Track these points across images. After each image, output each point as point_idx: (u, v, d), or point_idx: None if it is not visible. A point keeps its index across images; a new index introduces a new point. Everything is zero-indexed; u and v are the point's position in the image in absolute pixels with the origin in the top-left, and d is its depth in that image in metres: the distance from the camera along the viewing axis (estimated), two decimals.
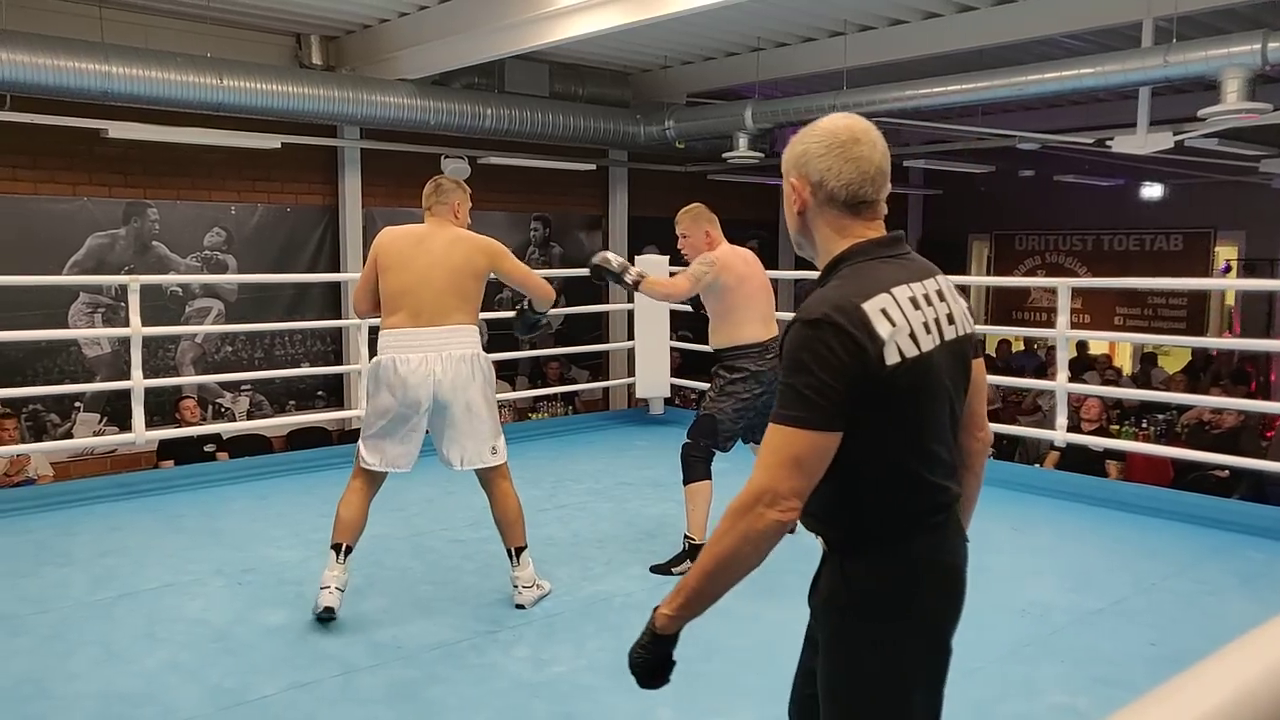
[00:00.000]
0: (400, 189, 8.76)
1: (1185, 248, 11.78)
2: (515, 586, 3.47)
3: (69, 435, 7.12)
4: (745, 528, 1.47)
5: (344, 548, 3.27)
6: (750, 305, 3.89)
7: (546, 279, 3.62)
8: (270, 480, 5.27)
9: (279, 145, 7.58)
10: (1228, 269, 11.59)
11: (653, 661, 1.65)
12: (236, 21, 7.16)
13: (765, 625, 3.29)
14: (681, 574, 3.60)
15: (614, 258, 3.86)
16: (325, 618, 3.22)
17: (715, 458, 3.88)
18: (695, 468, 3.83)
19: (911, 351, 1.47)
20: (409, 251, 3.31)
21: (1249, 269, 11.33)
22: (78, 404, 7.21)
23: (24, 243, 6.89)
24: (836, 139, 1.55)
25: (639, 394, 7.02)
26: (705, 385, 7.96)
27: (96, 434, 7.21)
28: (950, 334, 1.55)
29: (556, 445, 6.26)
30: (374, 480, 3.39)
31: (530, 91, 8.16)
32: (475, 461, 3.38)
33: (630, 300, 6.92)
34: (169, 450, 6.50)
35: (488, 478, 3.45)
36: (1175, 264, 11.59)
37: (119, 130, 6.81)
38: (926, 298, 1.54)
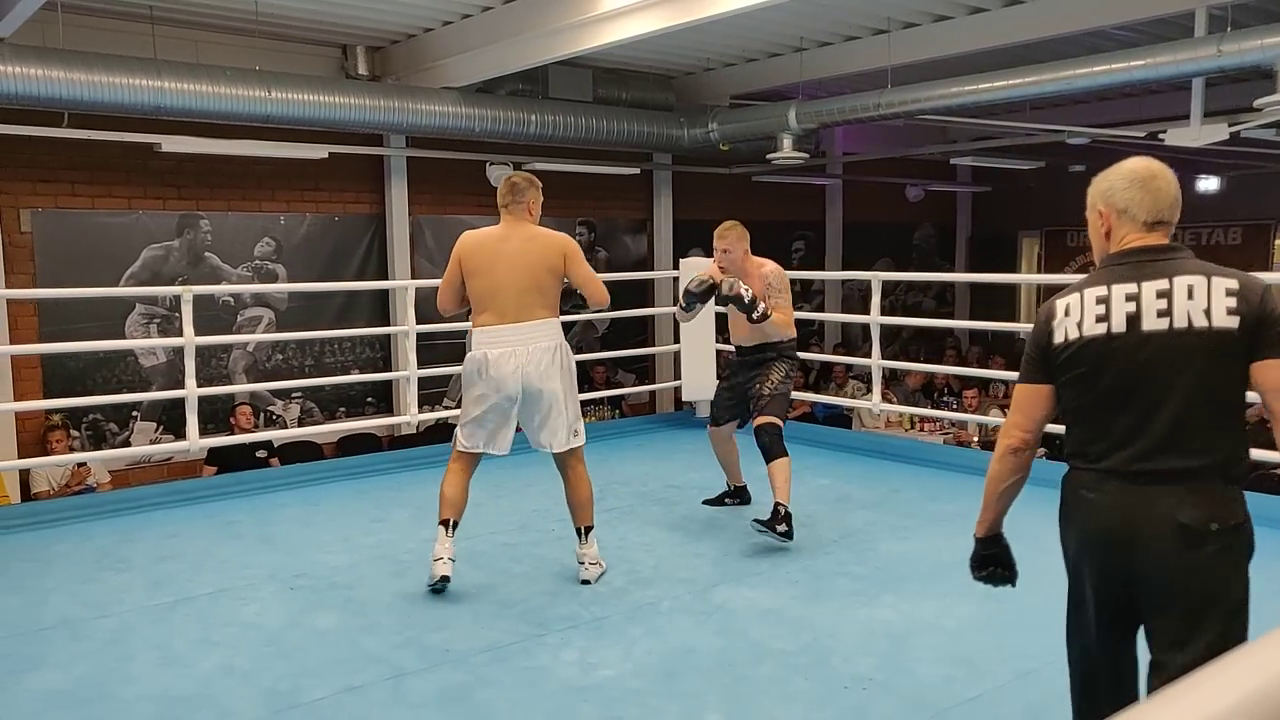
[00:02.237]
0: (446, 196, 8.85)
1: (1244, 241, 11.47)
2: (581, 563, 3.73)
3: (127, 443, 7.29)
4: (995, 452, 2.12)
5: (451, 523, 3.60)
6: (789, 304, 4.45)
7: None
8: (321, 486, 5.34)
9: (326, 155, 7.69)
10: None
11: (976, 559, 2.22)
12: (283, 34, 7.29)
13: (815, 629, 3.26)
14: (782, 534, 3.99)
15: (744, 288, 4.22)
16: (438, 588, 3.56)
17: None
18: (780, 445, 4.21)
19: (1073, 335, 1.94)
20: (491, 254, 3.61)
21: None
22: (135, 413, 7.38)
23: (82, 256, 7.07)
24: (1138, 176, 1.96)
25: (685, 397, 7.00)
26: None
27: (153, 442, 7.37)
28: (1153, 325, 1.86)
29: (603, 449, 6.26)
30: (471, 462, 3.71)
31: (574, 97, 8.19)
32: (561, 445, 3.66)
33: (676, 303, 6.91)
34: (216, 457, 6.62)
35: (565, 461, 3.71)
36: (1234, 258, 11.28)
37: (172, 144, 6.97)
38: (1130, 296, 1.89)
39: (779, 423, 4.28)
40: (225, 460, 6.59)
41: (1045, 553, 3.89)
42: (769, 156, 8.50)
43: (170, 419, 7.37)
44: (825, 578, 3.77)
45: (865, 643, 3.16)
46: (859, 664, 3.00)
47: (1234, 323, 1.81)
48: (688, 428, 6.84)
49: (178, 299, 5.32)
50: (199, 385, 5.16)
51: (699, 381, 6.77)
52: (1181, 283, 1.86)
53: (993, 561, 2.20)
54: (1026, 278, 13.42)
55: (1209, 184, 11.38)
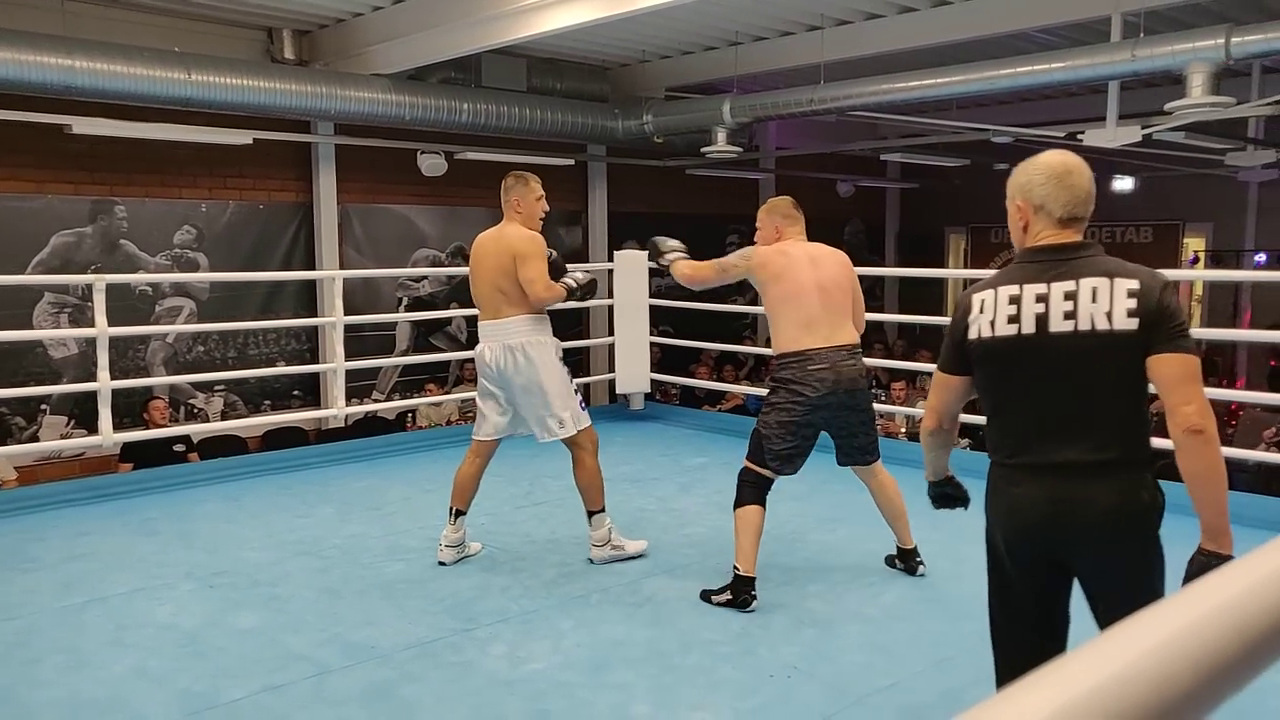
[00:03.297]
0: (377, 185, 8.69)
1: (1155, 239, 11.90)
2: (591, 545, 3.86)
3: (35, 438, 7.00)
4: (921, 430, 2.32)
5: (454, 510, 3.86)
6: (789, 307, 3.49)
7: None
8: (244, 481, 5.21)
9: (251, 141, 7.49)
10: (1195, 260, 11.72)
11: (932, 496, 2.47)
12: (205, 15, 7.06)
13: (743, 619, 3.29)
14: (720, 604, 3.37)
15: (668, 241, 3.92)
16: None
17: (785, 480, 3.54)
18: (742, 491, 3.50)
19: (986, 333, 1.99)
20: (477, 254, 3.86)
21: (1215, 260, 11.47)
22: (44, 406, 7.10)
23: None
24: (1054, 171, 1.99)
25: (619, 389, 7.00)
26: (686, 380, 8.02)
27: (63, 437, 7.10)
28: (1059, 327, 1.90)
29: (534, 442, 6.23)
30: (482, 450, 3.92)
31: (507, 86, 8.11)
32: (545, 434, 3.80)
33: (610, 295, 6.89)
34: (131, 452, 6.39)
35: (568, 447, 3.84)
36: (1145, 255, 11.70)
37: (84, 126, 6.70)
38: (1040, 297, 1.93)
39: (750, 466, 3.51)
40: (141, 456, 6.37)
41: (967, 543, 3.99)
42: (703, 150, 8.54)
43: (83, 413, 7.10)
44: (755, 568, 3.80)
45: (791, 631, 3.20)
46: (784, 652, 3.04)
47: (1134, 324, 1.87)
48: (621, 420, 6.84)
49: (90, 288, 5.12)
50: (114, 378, 4.98)
51: (633, 374, 6.77)
52: (1087, 285, 1.90)
53: (945, 496, 2.43)
54: (954, 273, 13.72)
55: (1124, 184, 11.77)
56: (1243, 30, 5.61)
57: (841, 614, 3.34)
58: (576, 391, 3.87)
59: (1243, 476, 6.50)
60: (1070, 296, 1.90)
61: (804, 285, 3.50)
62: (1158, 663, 0.52)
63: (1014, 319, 1.94)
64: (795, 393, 3.44)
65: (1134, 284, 1.89)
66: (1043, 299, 1.92)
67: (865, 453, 3.66)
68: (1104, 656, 0.51)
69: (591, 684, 2.84)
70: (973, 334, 2.01)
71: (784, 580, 3.66)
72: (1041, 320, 1.91)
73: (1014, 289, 1.96)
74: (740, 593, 3.39)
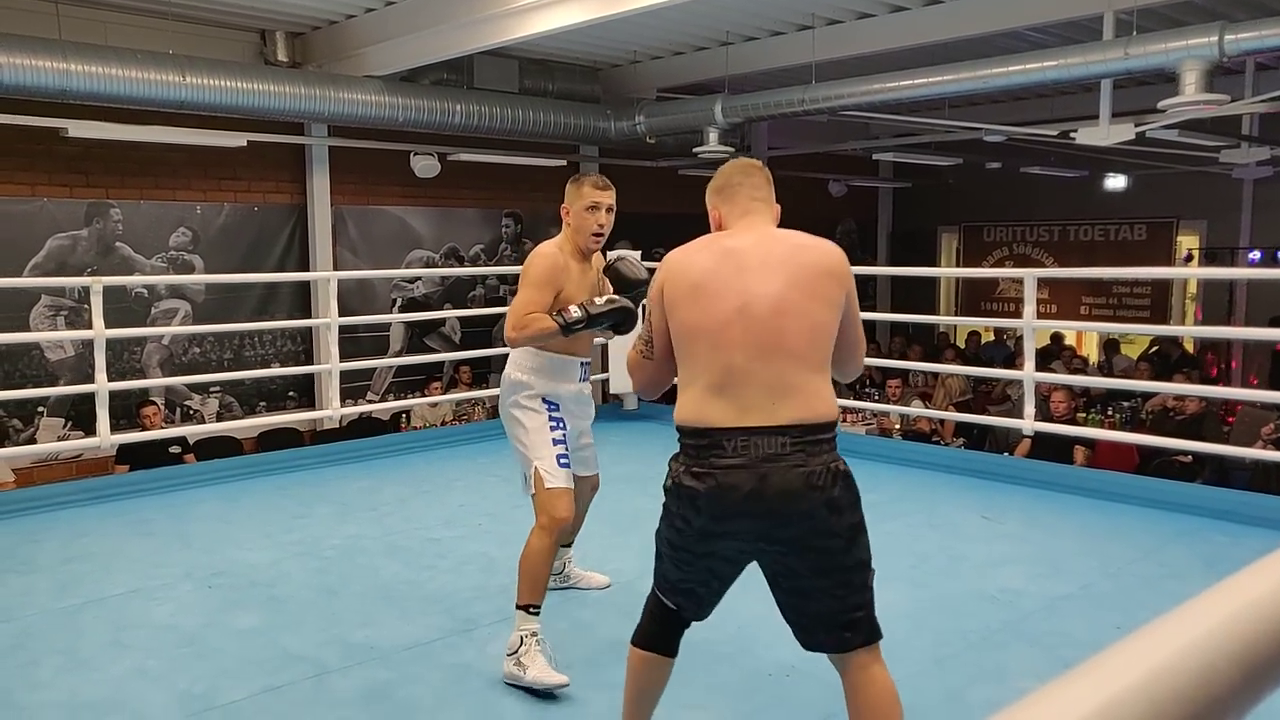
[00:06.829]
0: (370, 186, 8.70)
1: (1149, 237, 11.94)
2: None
3: (32, 440, 7.00)
4: None
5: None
6: (693, 347, 2.09)
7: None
8: (241, 482, 5.21)
9: (245, 143, 7.49)
10: (1190, 258, 11.76)
11: None
12: (199, 18, 7.06)
13: (740, 619, 3.30)
14: None
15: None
16: None
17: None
18: (642, 618, 2.26)
19: None
20: None
21: (1210, 258, 11.51)
22: (41, 409, 7.09)
23: None
24: None
25: (612, 390, 7.02)
26: None
27: (61, 439, 7.09)
28: None
29: None
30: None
31: (500, 87, 8.12)
32: (520, 489, 3.14)
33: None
34: (128, 454, 6.40)
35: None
36: (1139, 253, 11.75)
37: (79, 129, 6.70)
38: None
39: (654, 592, 2.24)
40: (137, 458, 6.38)
41: (963, 540, 4.02)
42: (695, 150, 8.55)
43: (79, 414, 7.10)
44: (751, 567, 3.81)
45: (788, 631, 3.21)
46: (782, 652, 3.04)
47: None
48: (614, 420, 6.85)
49: (87, 290, 5.12)
50: (111, 380, 4.98)
51: (625, 374, 6.78)
52: None
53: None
54: (946, 271, 13.77)
55: (1117, 182, 11.82)
56: (1236, 28, 5.63)
57: None
58: (559, 443, 3.05)
59: (1241, 474, 6.54)
60: None
61: (719, 308, 2.04)
62: (1200, 656, 0.53)
63: None
64: (684, 500, 2.06)
65: None
66: None
67: (835, 626, 2.03)
68: (1145, 651, 0.52)
69: (588, 684, 2.85)
70: None
71: None
72: None
73: None
74: None
